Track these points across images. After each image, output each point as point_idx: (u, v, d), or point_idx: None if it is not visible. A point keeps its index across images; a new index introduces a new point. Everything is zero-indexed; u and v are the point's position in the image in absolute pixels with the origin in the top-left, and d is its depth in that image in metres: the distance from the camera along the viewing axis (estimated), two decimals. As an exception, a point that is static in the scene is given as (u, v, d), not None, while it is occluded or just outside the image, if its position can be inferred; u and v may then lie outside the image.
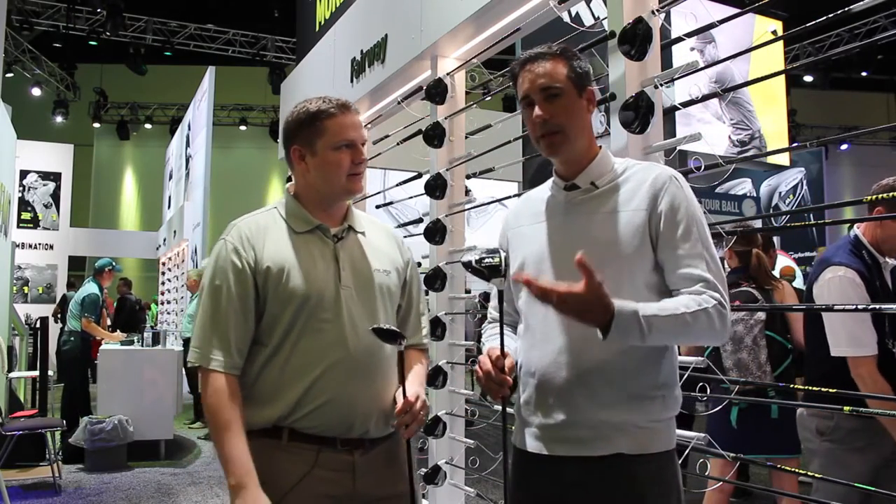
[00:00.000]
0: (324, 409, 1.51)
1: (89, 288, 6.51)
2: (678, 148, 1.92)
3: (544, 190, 1.58)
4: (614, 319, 1.26)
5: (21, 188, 11.72)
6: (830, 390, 1.87)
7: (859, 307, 1.86)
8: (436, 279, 2.97)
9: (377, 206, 5.47)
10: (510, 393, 1.46)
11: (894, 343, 2.18)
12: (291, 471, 1.50)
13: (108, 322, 7.64)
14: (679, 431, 1.54)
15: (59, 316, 10.27)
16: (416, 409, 1.52)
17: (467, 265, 1.46)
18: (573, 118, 1.45)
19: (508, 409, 1.56)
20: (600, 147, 1.52)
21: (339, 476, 1.52)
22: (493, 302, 1.63)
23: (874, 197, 1.87)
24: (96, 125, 16.23)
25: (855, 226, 2.37)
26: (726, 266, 3.38)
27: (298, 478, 1.50)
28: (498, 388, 1.42)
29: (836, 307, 2.01)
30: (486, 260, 1.44)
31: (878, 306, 2.03)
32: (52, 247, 12.27)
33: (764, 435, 2.99)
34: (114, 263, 6.78)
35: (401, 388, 1.55)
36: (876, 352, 2.16)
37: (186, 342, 7.17)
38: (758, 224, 6.98)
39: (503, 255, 1.46)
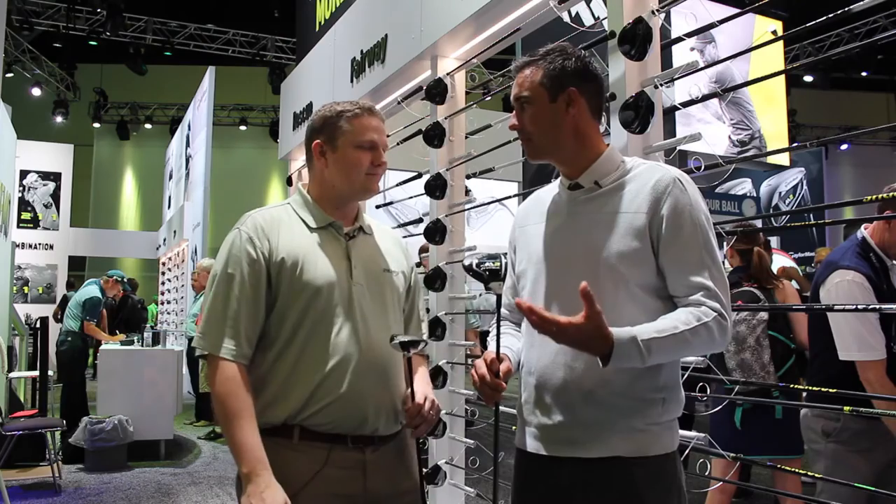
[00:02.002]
0: (335, 405, 1.51)
1: (91, 290, 6.50)
2: (678, 148, 1.92)
3: (553, 189, 1.58)
4: (614, 349, 1.26)
5: (21, 188, 11.72)
6: (832, 390, 1.87)
7: (859, 307, 1.85)
8: (436, 279, 2.97)
9: (377, 206, 5.47)
10: (503, 398, 1.46)
11: None
12: (302, 470, 1.50)
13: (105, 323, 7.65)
14: (679, 431, 1.54)
15: (59, 316, 10.27)
16: (425, 410, 1.55)
17: (468, 269, 1.47)
18: (541, 125, 1.46)
19: (511, 410, 1.56)
20: (608, 145, 1.50)
21: (349, 474, 1.53)
22: (506, 299, 1.63)
23: (875, 197, 1.86)
24: (96, 125, 16.22)
25: (862, 227, 2.34)
26: (727, 265, 3.38)
27: (309, 477, 1.50)
28: (491, 394, 1.42)
29: (836, 307, 2.01)
30: (486, 264, 1.44)
31: (881, 306, 2.03)
32: (52, 247, 12.27)
33: (767, 436, 2.99)
34: (125, 278, 6.82)
35: (409, 390, 1.57)
36: (885, 356, 2.15)
37: (192, 341, 7.17)
38: (758, 224, 6.98)
39: (504, 259, 1.46)
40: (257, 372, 1.55)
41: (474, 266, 1.45)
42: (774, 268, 3.49)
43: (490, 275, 1.44)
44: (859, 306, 1.87)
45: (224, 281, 1.53)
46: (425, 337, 1.78)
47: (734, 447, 2.53)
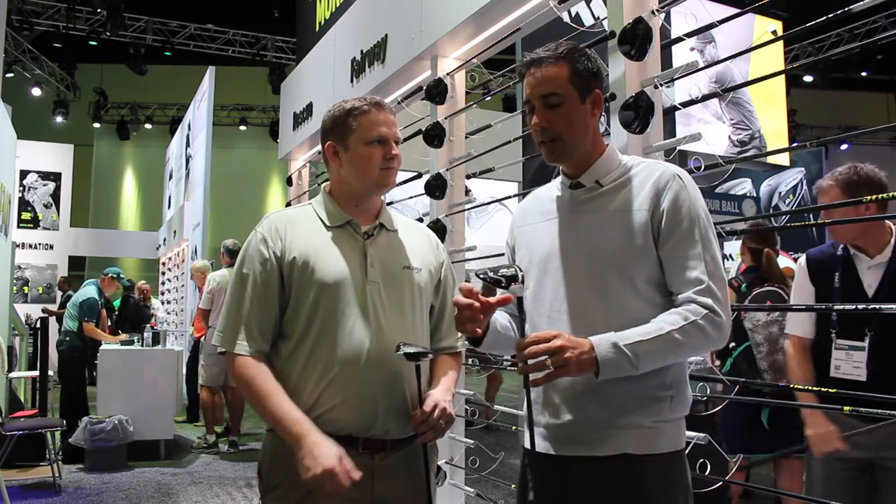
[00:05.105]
0: (344, 404, 1.51)
1: (88, 291, 6.50)
2: (678, 148, 1.93)
3: (552, 188, 1.58)
4: (597, 356, 1.29)
5: (21, 188, 11.73)
6: (831, 390, 1.88)
7: (859, 307, 1.86)
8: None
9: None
10: (481, 333, 1.45)
11: (837, 333, 2.24)
12: None
13: (109, 322, 7.65)
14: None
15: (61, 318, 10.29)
16: (432, 418, 1.51)
17: (484, 278, 1.42)
18: (573, 125, 1.44)
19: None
20: (607, 144, 1.50)
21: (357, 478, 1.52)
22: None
23: (875, 197, 1.88)
24: (96, 125, 16.21)
25: None
26: (738, 262, 3.42)
27: None
28: (470, 321, 1.39)
29: (835, 307, 2.01)
30: (502, 270, 1.41)
31: (871, 305, 2.04)
32: (52, 247, 12.28)
33: (796, 434, 3.02)
34: (121, 275, 6.79)
35: (421, 396, 1.55)
36: (806, 335, 2.36)
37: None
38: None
39: (516, 265, 1.44)
40: (275, 368, 1.58)
41: (490, 275, 1.42)
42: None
43: (507, 280, 1.42)
44: (859, 306, 1.88)
45: (239, 281, 1.59)
46: (460, 335, 1.73)
47: (762, 447, 2.61)
